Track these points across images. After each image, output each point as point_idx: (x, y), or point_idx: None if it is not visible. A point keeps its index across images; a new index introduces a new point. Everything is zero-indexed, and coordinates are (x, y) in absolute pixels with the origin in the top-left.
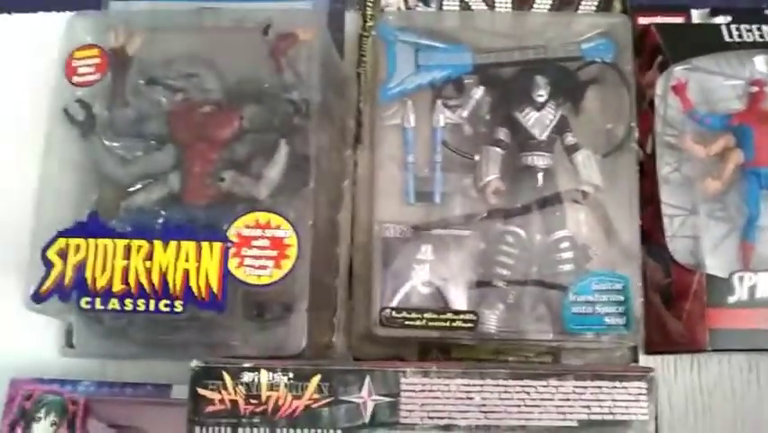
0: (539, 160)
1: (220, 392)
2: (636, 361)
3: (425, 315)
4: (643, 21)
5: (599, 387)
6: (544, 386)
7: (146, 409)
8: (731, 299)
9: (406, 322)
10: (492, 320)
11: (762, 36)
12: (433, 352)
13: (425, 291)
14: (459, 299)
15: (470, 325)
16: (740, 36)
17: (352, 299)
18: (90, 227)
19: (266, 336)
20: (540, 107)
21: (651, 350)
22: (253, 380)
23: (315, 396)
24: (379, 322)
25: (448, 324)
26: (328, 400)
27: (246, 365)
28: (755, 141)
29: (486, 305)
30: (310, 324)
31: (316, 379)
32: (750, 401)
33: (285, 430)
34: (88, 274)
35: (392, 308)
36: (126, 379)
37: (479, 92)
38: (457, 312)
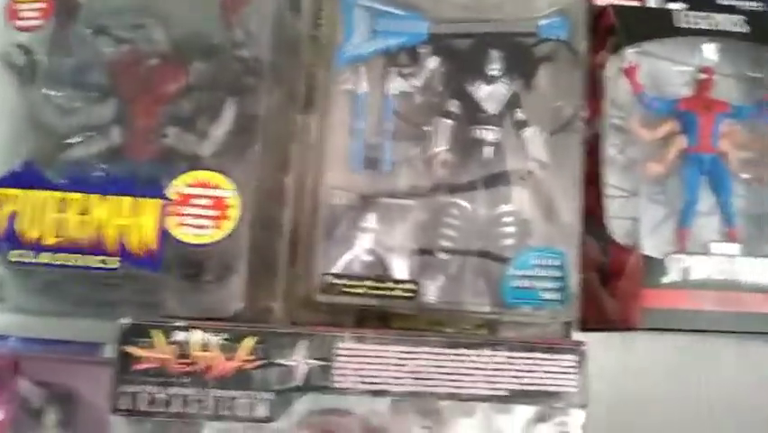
0: (488, 133)
1: (149, 351)
2: (569, 336)
3: (366, 282)
4: (600, 1)
5: (532, 358)
6: (478, 355)
7: (77, 368)
8: (665, 280)
9: (346, 289)
10: (432, 291)
11: (714, 24)
12: (371, 321)
13: (367, 259)
14: (401, 268)
15: (410, 294)
16: (696, 23)
17: (295, 265)
18: (24, 177)
19: (202, 297)
20: (492, 81)
21: (585, 327)
22: (185, 339)
23: (248, 357)
24: (320, 288)
25: (388, 292)
26: (261, 362)
27: (178, 324)
28: (699, 127)
29: (427, 275)
30: (248, 287)
31: (251, 341)
32: (681, 381)
33: (215, 391)
34: (19, 226)
35: (333, 275)
36: (56, 337)
37: (433, 62)
38: (398, 281)
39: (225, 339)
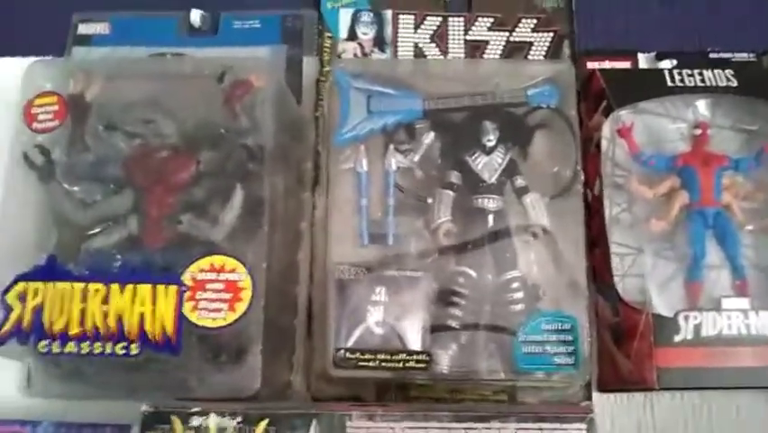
0: (489, 202)
1: None
2: (590, 398)
3: (379, 356)
4: (591, 65)
5: (541, 429)
6: (487, 428)
7: None
8: (677, 338)
9: (360, 363)
10: (445, 360)
11: (703, 80)
12: (390, 391)
13: (379, 332)
14: (413, 339)
15: (422, 365)
16: (682, 81)
17: (312, 339)
18: (48, 271)
19: (222, 377)
20: (489, 151)
21: (603, 388)
22: (202, 424)
23: None
24: (334, 363)
25: (401, 364)
26: None
27: (195, 410)
28: (700, 182)
29: (439, 345)
30: (265, 365)
31: (264, 423)
32: None
33: None
34: (46, 318)
35: (346, 349)
36: (88, 420)
37: (429, 137)
38: (410, 352)
39: (239, 423)
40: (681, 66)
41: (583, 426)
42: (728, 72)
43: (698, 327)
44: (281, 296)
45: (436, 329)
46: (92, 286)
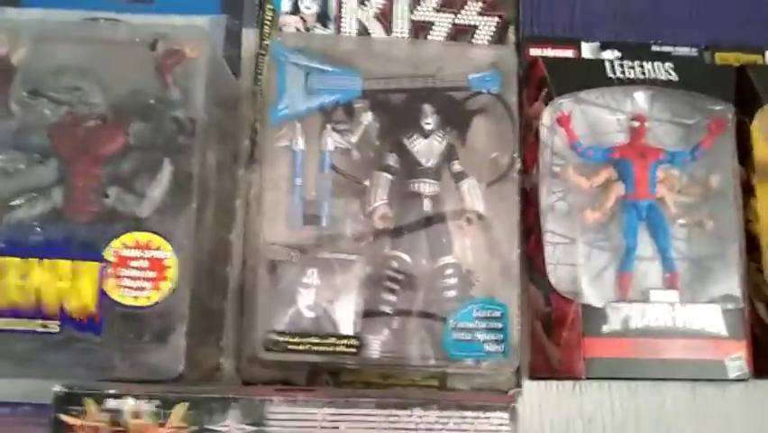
0: (426, 187)
1: (82, 419)
2: (520, 385)
3: (309, 339)
4: (534, 52)
5: (463, 417)
6: (409, 415)
7: (26, 430)
8: (605, 329)
9: (290, 346)
10: (376, 345)
11: (643, 73)
12: (322, 375)
13: (310, 315)
14: (344, 323)
15: (353, 350)
16: (623, 72)
17: (243, 321)
18: None
19: (145, 358)
20: (427, 135)
21: (534, 375)
22: (118, 407)
23: (180, 424)
24: (263, 346)
25: (332, 348)
26: (193, 428)
27: (110, 392)
28: (635, 174)
29: (371, 330)
30: (191, 347)
31: (182, 407)
32: (629, 428)
33: None
34: None
35: (276, 332)
36: (7, 399)
37: (368, 117)
38: (341, 337)
39: (157, 406)
40: (623, 57)
41: (505, 415)
42: (669, 66)
43: (626, 319)
44: (210, 276)
45: (369, 314)
46: (10, 260)
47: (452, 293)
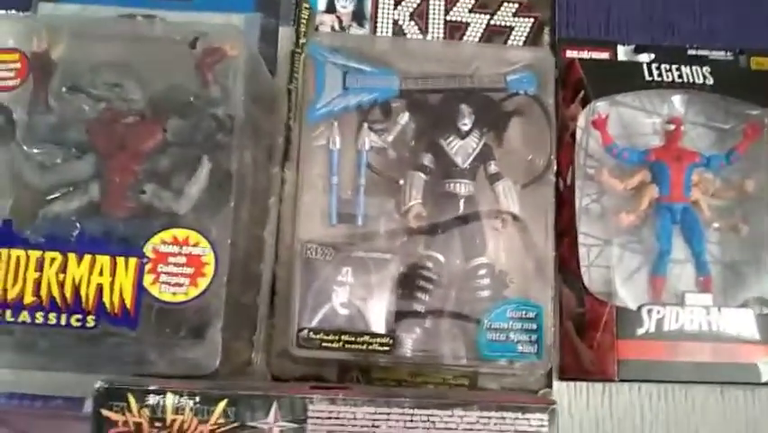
0: (461, 187)
1: (124, 414)
2: (550, 386)
3: (342, 337)
4: (570, 54)
5: (503, 417)
6: (450, 416)
7: (58, 423)
8: (639, 331)
9: (323, 343)
10: (408, 344)
11: (680, 76)
12: (353, 372)
13: (344, 313)
14: (377, 321)
15: (386, 348)
16: (660, 75)
17: (274, 317)
18: (3, 237)
19: (181, 354)
20: (464, 136)
21: (564, 376)
22: (159, 402)
23: (221, 421)
24: (296, 342)
25: (365, 346)
26: (234, 425)
27: (151, 388)
28: (670, 177)
29: (403, 328)
30: (225, 343)
31: (223, 404)
32: (658, 430)
33: None
34: None
35: (310, 329)
36: (41, 391)
37: (404, 117)
38: (374, 335)
39: (197, 403)
40: (658, 60)
41: (545, 416)
42: (705, 70)
43: (660, 322)
44: (245, 272)
45: (402, 313)
46: (48, 254)
47: (485, 293)
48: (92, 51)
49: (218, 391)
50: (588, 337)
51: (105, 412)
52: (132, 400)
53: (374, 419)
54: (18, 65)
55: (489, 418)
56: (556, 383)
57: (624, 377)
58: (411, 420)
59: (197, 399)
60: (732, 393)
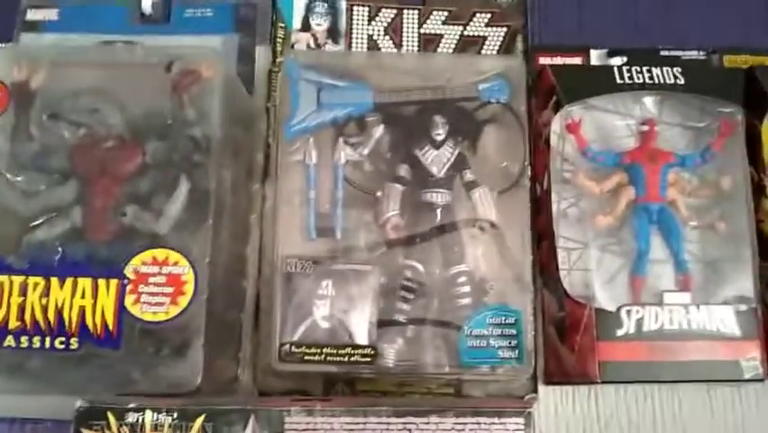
0: (438, 196)
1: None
2: (536, 391)
3: (325, 350)
4: (543, 60)
5: (479, 423)
6: (426, 423)
7: None
8: (619, 332)
9: (306, 357)
10: (391, 354)
11: (651, 78)
12: (338, 385)
13: (325, 326)
14: (359, 333)
15: (368, 359)
16: (631, 78)
17: (259, 333)
18: None
19: (164, 372)
20: (438, 145)
21: (549, 381)
22: (138, 420)
23: None
24: (279, 357)
25: (347, 358)
26: None
27: (130, 406)
28: (646, 178)
29: (385, 339)
30: (209, 360)
31: (201, 419)
32: (645, 431)
33: None
34: None
35: (292, 343)
36: (29, 415)
37: (379, 130)
38: (355, 346)
39: (175, 419)
40: (631, 63)
41: (521, 420)
42: (676, 70)
43: (640, 322)
44: (227, 290)
45: (383, 323)
46: (31, 279)
47: (465, 301)
48: (71, 79)
49: (196, 407)
50: (569, 341)
51: (85, 432)
52: (111, 418)
53: (351, 429)
54: None
55: (465, 423)
56: (542, 388)
57: (606, 379)
58: (387, 429)
59: (175, 415)
60: (719, 393)
